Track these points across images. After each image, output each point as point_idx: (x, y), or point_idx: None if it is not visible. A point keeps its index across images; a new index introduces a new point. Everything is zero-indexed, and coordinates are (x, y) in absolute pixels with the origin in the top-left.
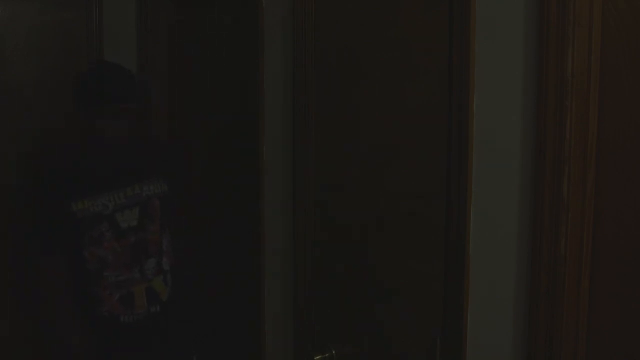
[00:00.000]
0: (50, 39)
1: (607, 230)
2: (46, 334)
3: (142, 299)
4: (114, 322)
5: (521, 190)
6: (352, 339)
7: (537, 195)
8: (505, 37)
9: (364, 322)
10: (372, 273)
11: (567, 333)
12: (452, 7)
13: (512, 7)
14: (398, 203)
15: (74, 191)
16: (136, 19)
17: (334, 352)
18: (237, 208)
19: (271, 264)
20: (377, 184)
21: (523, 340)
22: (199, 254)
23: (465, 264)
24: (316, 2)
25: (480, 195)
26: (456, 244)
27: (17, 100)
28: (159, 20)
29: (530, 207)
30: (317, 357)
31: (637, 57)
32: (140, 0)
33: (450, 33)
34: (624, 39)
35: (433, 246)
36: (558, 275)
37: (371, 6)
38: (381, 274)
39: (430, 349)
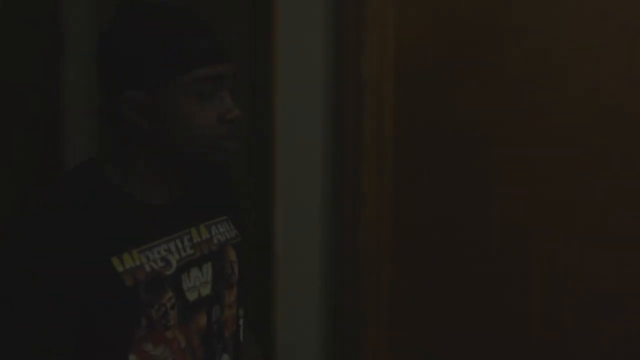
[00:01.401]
0: None
1: (406, 221)
2: None
3: None
4: None
5: (323, 185)
6: None
7: (338, 189)
8: (307, 38)
9: None
10: None
11: (371, 323)
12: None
13: (313, 11)
14: None
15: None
16: None
17: None
18: None
19: None
20: None
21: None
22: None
23: (272, 262)
24: None
25: (286, 194)
26: (263, 243)
27: None
28: None
29: (331, 200)
30: None
31: (426, 61)
32: None
33: (254, 40)
34: (415, 44)
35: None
36: (360, 265)
37: None
38: None
39: None
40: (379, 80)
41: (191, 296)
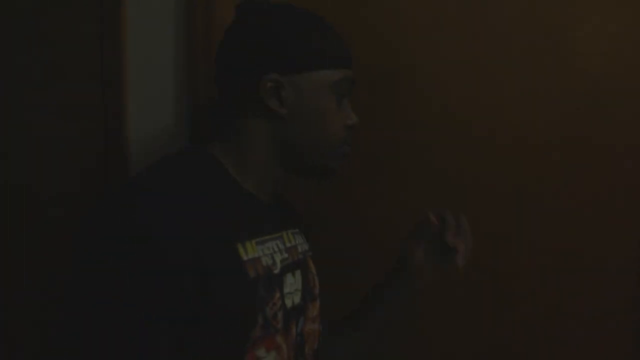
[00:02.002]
0: None
1: None
2: None
3: None
4: None
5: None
6: None
7: None
8: (156, 33)
9: None
10: None
11: None
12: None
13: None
14: None
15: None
16: None
17: None
18: None
19: None
20: None
21: None
22: None
23: None
24: None
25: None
26: None
27: None
28: None
29: None
30: None
31: None
32: None
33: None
34: None
35: None
36: None
37: None
38: None
39: None
40: None
41: (288, 302)
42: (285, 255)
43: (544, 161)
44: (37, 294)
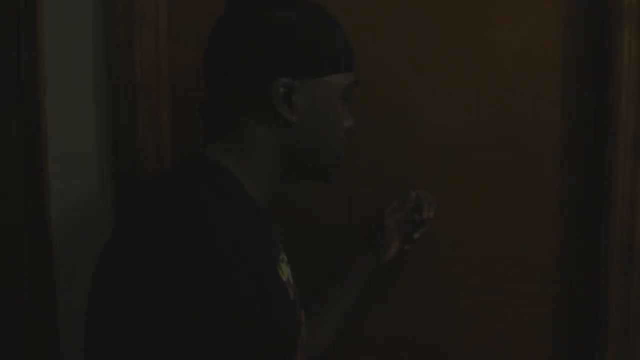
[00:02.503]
0: None
1: None
2: None
3: None
4: None
5: (101, 194)
6: None
7: (114, 202)
8: (75, 40)
9: None
10: None
11: None
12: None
13: (80, 10)
14: None
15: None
16: None
17: None
18: None
19: None
20: None
21: None
22: None
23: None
24: None
25: (59, 199)
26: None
27: None
28: None
29: (109, 212)
30: None
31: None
32: None
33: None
34: (189, 40)
35: None
36: None
37: None
38: None
39: None
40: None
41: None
42: (290, 269)
43: (460, 163)
44: None
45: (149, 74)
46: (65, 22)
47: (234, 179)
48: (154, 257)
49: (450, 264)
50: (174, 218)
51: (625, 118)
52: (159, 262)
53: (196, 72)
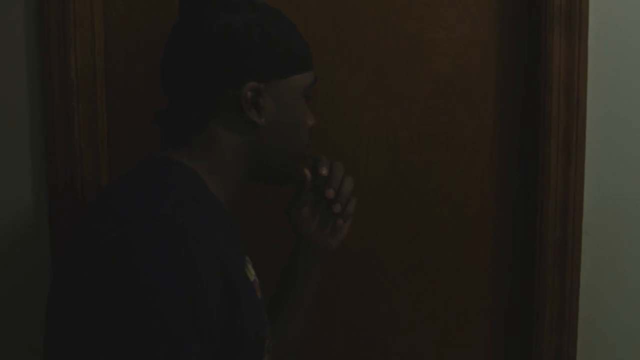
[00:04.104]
0: None
1: None
2: None
3: None
4: None
5: (35, 198)
6: None
7: (50, 201)
8: (6, 38)
9: None
10: None
11: None
12: None
13: (12, 8)
14: None
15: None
16: None
17: None
18: None
19: None
20: None
21: None
22: None
23: None
24: None
25: None
26: None
27: None
28: None
29: (46, 211)
30: None
31: (137, 56)
32: None
33: None
34: (125, 38)
35: None
36: None
37: None
38: None
39: None
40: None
41: None
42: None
43: (396, 161)
44: None
45: (84, 74)
46: None
47: (200, 182)
48: (126, 265)
49: (388, 262)
50: (145, 224)
51: (557, 117)
52: (129, 267)
53: (132, 71)
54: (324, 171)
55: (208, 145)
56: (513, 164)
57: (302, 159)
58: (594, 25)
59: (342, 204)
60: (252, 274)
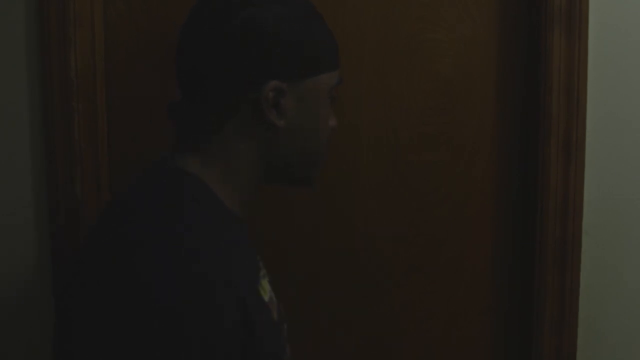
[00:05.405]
0: None
1: None
2: None
3: None
4: None
5: (35, 197)
6: None
7: (49, 201)
8: (6, 38)
9: None
10: None
11: None
12: None
13: (12, 8)
14: None
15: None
16: None
17: None
18: None
19: None
20: None
21: None
22: None
23: None
24: None
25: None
26: None
27: None
28: None
29: (46, 211)
30: None
31: (137, 56)
32: None
33: None
34: (125, 38)
35: None
36: None
37: None
38: None
39: None
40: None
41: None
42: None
43: (396, 162)
44: None
45: (84, 74)
46: None
47: (210, 193)
48: (136, 286)
49: (388, 262)
50: (159, 247)
51: (557, 117)
52: (141, 290)
53: (133, 72)
54: None
55: (222, 150)
56: (513, 164)
57: (324, 160)
58: (594, 25)
59: None
60: (266, 291)
